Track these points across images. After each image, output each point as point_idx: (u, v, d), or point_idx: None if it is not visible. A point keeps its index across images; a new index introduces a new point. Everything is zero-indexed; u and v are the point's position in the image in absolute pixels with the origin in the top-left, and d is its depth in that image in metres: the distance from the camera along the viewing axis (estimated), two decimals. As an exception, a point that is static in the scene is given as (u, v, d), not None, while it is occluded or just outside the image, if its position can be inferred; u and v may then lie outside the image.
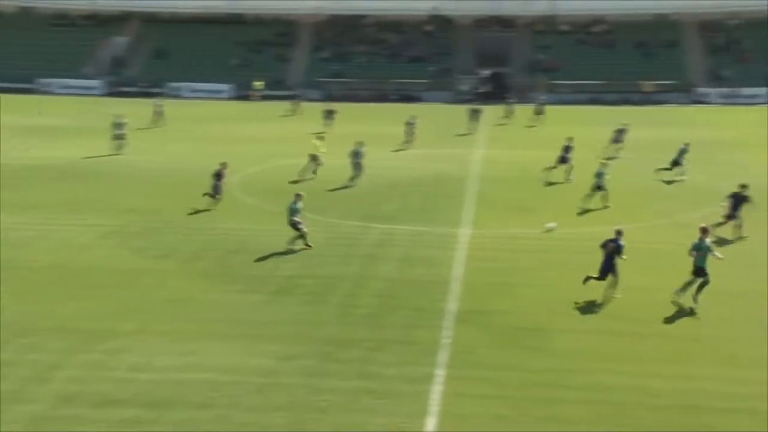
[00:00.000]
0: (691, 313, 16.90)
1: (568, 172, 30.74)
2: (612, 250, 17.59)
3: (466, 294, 18.13)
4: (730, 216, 22.71)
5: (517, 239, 22.79)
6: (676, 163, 31.14)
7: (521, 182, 30.69)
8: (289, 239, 21.32)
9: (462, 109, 48.15)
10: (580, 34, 68.95)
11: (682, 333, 15.87)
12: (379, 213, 25.38)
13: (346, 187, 29.36)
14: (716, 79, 62.85)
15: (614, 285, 17.61)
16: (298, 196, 21.80)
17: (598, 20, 69.57)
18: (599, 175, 26.51)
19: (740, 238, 22.52)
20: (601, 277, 17.61)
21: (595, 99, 53.52)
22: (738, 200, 22.79)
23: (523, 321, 16.59)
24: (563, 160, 31.16)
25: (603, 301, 17.52)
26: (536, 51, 67.60)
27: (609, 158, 32.09)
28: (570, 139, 31.99)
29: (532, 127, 46.97)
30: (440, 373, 14.13)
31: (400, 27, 70.85)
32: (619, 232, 17.99)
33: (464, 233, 23.25)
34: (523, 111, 50.50)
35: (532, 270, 19.92)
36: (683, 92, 60.87)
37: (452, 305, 17.43)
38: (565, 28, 69.72)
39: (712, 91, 60.98)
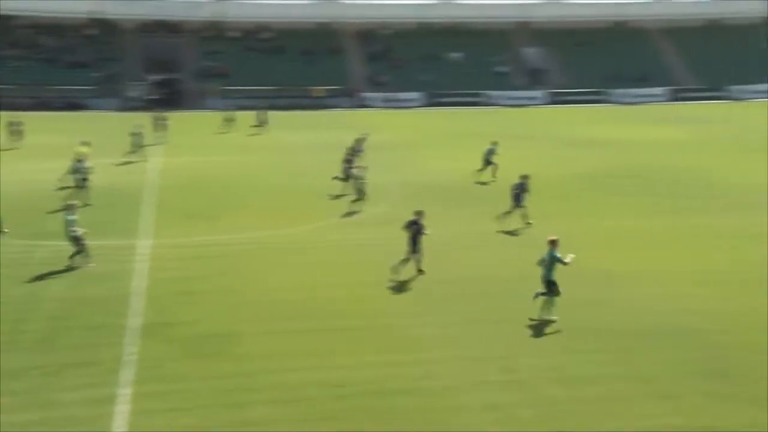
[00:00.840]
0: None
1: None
2: (415, 230, 19.32)
3: (149, 307, 17.47)
4: (516, 206, 24.47)
5: (202, 247, 22.50)
6: (488, 162, 31.95)
7: (202, 190, 30.37)
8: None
9: (134, 117, 46.35)
10: (248, 40, 69.93)
11: (362, 324, 16.74)
12: (47, 230, 23.46)
13: None
14: (376, 85, 67.63)
15: (419, 261, 19.47)
16: (70, 207, 20.31)
17: (264, 27, 71.07)
18: (363, 183, 27.30)
19: (527, 224, 24.32)
20: (413, 255, 19.39)
21: (270, 105, 54.67)
22: (520, 190, 24.53)
23: (210, 329, 16.39)
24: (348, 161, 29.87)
25: (293, 300, 17.96)
26: (205, 57, 67.32)
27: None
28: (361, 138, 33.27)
29: (223, 133, 46.71)
30: (125, 392, 13.45)
31: (58, 30, 66.26)
32: (419, 213, 19.65)
33: (144, 244, 22.40)
34: (197, 118, 49.99)
35: (217, 276, 19.78)
36: (349, 97, 64.59)
37: (135, 320, 16.69)
38: (233, 34, 70.25)
39: (374, 95, 65.50)
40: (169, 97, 60.71)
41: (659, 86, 68.20)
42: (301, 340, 15.85)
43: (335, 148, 38.85)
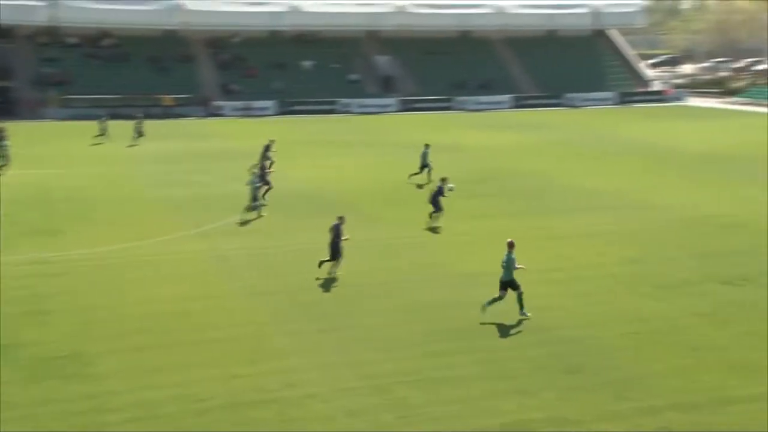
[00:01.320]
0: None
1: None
2: (335, 234, 20.05)
3: (-10, 329, 16.34)
4: (437, 208, 25.61)
5: (50, 263, 21.30)
6: (424, 166, 32.54)
7: (49, 204, 28.80)
8: None
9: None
10: (88, 47, 66.85)
11: (221, 336, 16.39)
12: None
13: None
14: (228, 93, 66.57)
15: (337, 264, 20.05)
16: None
17: (106, 34, 68.14)
18: (256, 189, 26.79)
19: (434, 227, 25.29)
20: (332, 258, 20.08)
21: (116, 113, 52.59)
22: (439, 193, 25.72)
23: (59, 349, 15.52)
24: (263, 168, 29.67)
25: (149, 314, 17.32)
26: (42, 64, 63.82)
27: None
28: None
29: (97, 145, 44.35)
30: (-34, 423, 12.51)
31: None
32: (340, 218, 20.32)
33: (-17, 263, 20.94)
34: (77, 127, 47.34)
35: (67, 294, 18.81)
36: (200, 106, 63.12)
37: (-26, 344, 15.56)
38: (72, 40, 66.95)
39: (226, 104, 64.40)
40: (2, 106, 57.01)
41: (503, 94, 71.08)
42: (158, 356, 15.32)
43: (188, 157, 37.97)
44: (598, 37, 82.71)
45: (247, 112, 63.46)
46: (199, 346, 15.84)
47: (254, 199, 26.90)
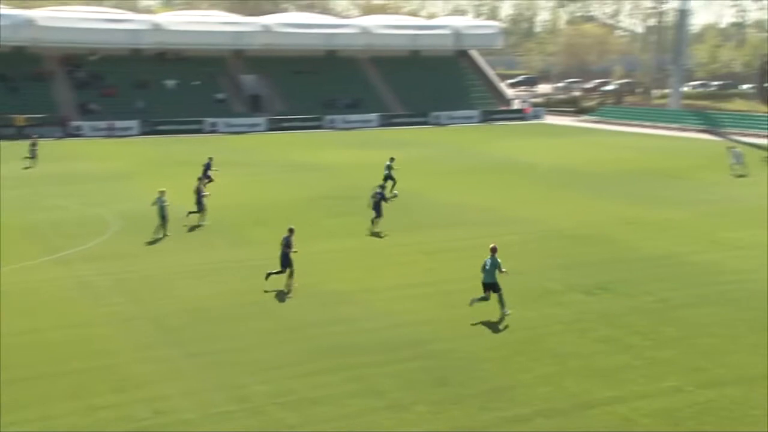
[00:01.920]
0: (501, 321, 18.24)
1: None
2: (285, 245, 20.42)
3: None
4: (378, 214, 27.12)
5: None
6: (388, 177, 33.46)
7: None
8: None
9: None
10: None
11: (85, 366, 15.62)
12: None
13: None
14: (86, 113, 63.96)
15: (291, 275, 20.42)
16: None
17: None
18: (162, 207, 26.15)
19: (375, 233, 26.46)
20: (282, 270, 20.45)
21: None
22: (378, 198, 27.15)
23: None
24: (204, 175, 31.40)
25: (5, 347, 16.25)
26: None
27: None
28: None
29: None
30: None
31: None
32: (290, 230, 20.70)
33: None
34: None
35: None
36: (57, 126, 60.30)
37: None
38: None
39: (86, 124, 61.84)
40: None
41: (371, 112, 72.03)
42: (17, 391, 14.41)
43: (47, 180, 36.18)
44: (461, 57, 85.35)
45: (107, 132, 61.24)
46: (61, 378, 15.03)
47: (163, 218, 26.28)
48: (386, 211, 31.14)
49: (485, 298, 18.47)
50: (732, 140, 56.44)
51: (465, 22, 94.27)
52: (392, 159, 35.41)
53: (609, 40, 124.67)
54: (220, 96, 70.45)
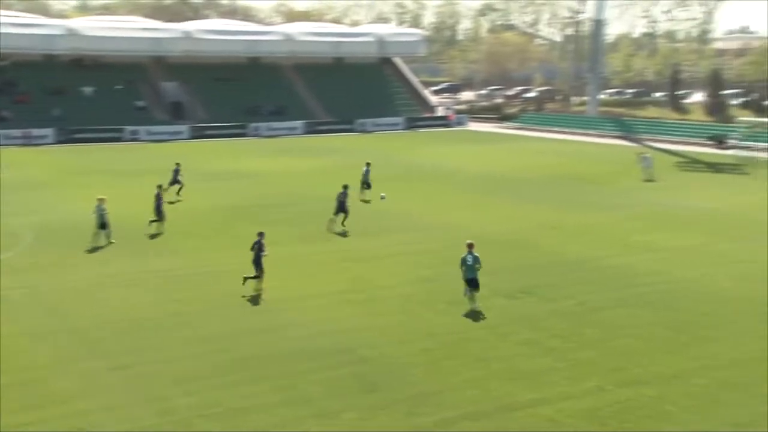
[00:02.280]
0: (477, 316, 19.15)
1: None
2: (257, 249, 20.90)
3: None
4: (342, 210, 28.83)
5: None
6: (366, 184, 34.94)
7: None
8: None
9: None
10: None
11: (-2, 383, 15.15)
12: None
13: None
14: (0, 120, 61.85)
15: (258, 278, 20.88)
16: None
17: None
18: (101, 215, 26.11)
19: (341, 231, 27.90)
20: (257, 274, 20.93)
21: None
22: (343, 198, 28.76)
23: None
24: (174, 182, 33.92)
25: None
26: None
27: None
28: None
29: None
30: None
31: None
32: (261, 234, 21.15)
33: None
34: None
35: None
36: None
37: None
38: None
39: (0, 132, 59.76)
40: None
41: (296, 119, 71.79)
42: (-75, 412, 13.83)
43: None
44: (384, 64, 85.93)
45: (26, 141, 59.30)
46: (-27, 397, 14.49)
47: (103, 226, 26.10)
48: (312, 219, 31.18)
49: (472, 294, 19.61)
50: (644, 146, 58.46)
51: (388, 29, 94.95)
52: (368, 164, 36.31)
53: (529, 49, 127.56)
54: (140, 103, 69.09)
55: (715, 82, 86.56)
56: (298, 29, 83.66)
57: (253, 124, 68.97)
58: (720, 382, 15.32)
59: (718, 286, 21.92)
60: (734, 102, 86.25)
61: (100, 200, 26.45)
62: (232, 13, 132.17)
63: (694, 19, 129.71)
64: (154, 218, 28.54)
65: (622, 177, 42.87)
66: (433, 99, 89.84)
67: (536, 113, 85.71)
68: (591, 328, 18.38)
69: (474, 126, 79.09)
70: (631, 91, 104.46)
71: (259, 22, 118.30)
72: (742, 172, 46.35)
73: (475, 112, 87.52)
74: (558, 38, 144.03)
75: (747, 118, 68.04)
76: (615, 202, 35.43)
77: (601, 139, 67.45)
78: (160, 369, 15.92)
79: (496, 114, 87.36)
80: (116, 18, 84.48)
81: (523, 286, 21.66)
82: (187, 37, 74.76)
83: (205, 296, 20.78)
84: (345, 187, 29.39)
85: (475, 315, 19.39)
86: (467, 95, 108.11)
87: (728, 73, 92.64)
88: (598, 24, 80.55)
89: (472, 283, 19.59)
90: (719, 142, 59.70)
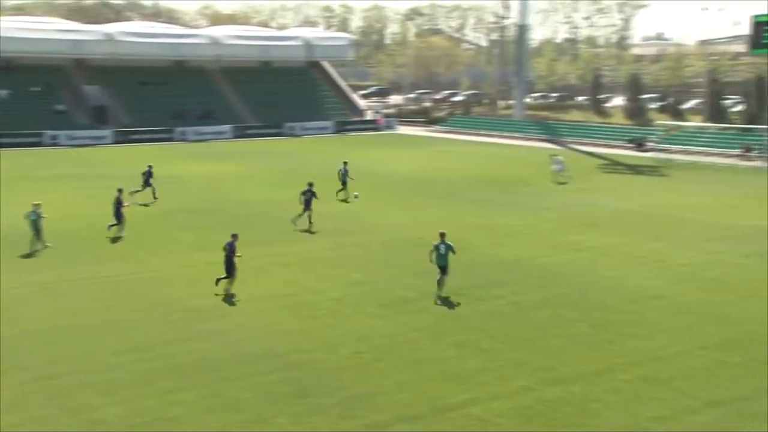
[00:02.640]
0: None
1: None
2: (229, 250, 21.07)
3: None
4: (306, 209, 29.78)
5: None
6: (344, 183, 36.27)
7: None
8: None
9: None
10: None
11: None
12: None
13: None
14: None
15: (229, 280, 21.05)
16: None
17: None
18: (35, 221, 25.70)
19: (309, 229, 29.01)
20: (228, 275, 21.05)
21: None
22: (309, 196, 29.84)
23: None
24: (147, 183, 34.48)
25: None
26: None
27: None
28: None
29: None
30: None
31: None
32: (234, 236, 21.24)
33: None
34: None
35: None
36: None
37: None
38: None
39: None
40: None
41: (224, 124, 70.93)
42: None
43: None
44: (312, 68, 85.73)
45: (-64, 146, 57.02)
46: None
47: (37, 231, 25.81)
48: (241, 223, 30.93)
49: (442, 279, 20.85)
50: (557, 149, 59.87)
51: (316, 33, 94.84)
52: (345, 163, 37.49)
53: (456, 53, 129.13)
54: (60, 107, 67.20)
55: (634, 87, 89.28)
56: (225, 32, 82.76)
57: (180, 129, 67.88)
58: (642, 378, 15.84)
59: (639, 284, 22.63)
60: (652, 106, 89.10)
61: (35, 205, 25.96)
62: (155, 15, 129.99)
63: (613, 25, 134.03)
64: (114, 222, 28.30)
65: (547, 179, 43.79)
66: (362, 103, 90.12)
67: (464, 117, 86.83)
68: (521, 329, 18.74)
69: (403, 129, 79.62)
70: (555, 95, 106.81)
71: (184, 24, 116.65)
72: (661, 173, 47.95)
73: (404, 116, 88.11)
74: (484, 43, 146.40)
75: (664, 121, 70.45)
76: (542, 203, 36.18)
77: (527, 142, 68.78)
78: (88, 379, 15.56)
79: (425, 118, 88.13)
80: (32, 19, 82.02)
81: (453, 288, 21.91)
82: (109, 39, 73.08)
83: (134, 304, 20.38)
84: (310, 184, 30.27)
85: (405, 318, 19.54)
86: (396, 99, 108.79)
87: (646, 78, 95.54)
88: (522, 29, 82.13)
89: (444, 270, 20.94)
90: (639, 144, 61.58)
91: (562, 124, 75.95)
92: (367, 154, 57.13)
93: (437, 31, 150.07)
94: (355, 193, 34.48)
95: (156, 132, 66.41)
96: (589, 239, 28.45)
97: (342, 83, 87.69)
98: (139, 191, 35.33)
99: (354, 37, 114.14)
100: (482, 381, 15.69)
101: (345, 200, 35.98)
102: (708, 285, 22.53)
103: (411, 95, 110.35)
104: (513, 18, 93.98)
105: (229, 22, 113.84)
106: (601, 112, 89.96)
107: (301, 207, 30.05)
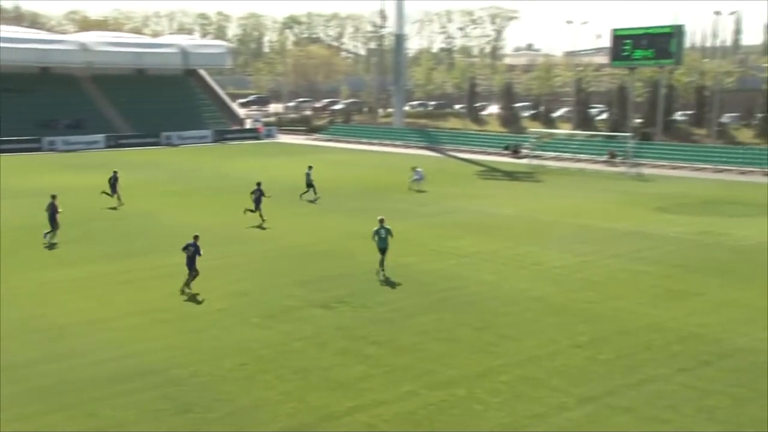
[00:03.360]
0: (387, 282, 23.12)
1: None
2: (192, 252, 21.77)
3: None
4: (256, 208, 31.96)
5: None
6: (309, 185, 38.93)
7: None
8: None
9: None
10: None
11: None
12: None
13: None
14: None
15: (192, 279, 21.79)
16: None
17: None
18: None
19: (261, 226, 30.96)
20: (191, 273, 21.78)
21: None
22: (258, 195, 32.06)
23: None
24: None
25: None
26: None
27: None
28: None
29: None
30: None
31: None
32: (196, 237, 22.02)
33: None
34: None
35: None
36: None
37: None
38: None
39: None
40: None
41: (96, 133, 68.29)
42: None
43: None
44: (189, 76, 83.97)
45: None
46: None
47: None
48: (116, 235, 30.00)
49: (382, 260, 23.82)
50: (439, 156, 61.11)
51: (192, 41, 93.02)
52: (310, 167, 40.19)
53: (335, 61, 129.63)
54: None
55: (507, 96, 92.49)
56: (95, 38, 79.91)
57: (48, 138, 64.93)
58: (521, 378, 16.29)
59: (517, 287, 23.30)
60: (525, 114, 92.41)
61: None
62: (17, 19, 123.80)
63: (486, 36, 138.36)
64: (49, 230, 28.00)
65: (428, 185, 44.54)
66: (241, 111, 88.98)
67: (345, 125, 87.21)
68: (405, 334, 18.90)
69: (284, 138, 79.15)
70: (433, 103, 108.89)
71: (50, 30, 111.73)
72: (535, 179, 49.71)
73: (284, 125, 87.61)
74: (362, 51, 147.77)
75: (537, 129, 73.19)
76: (424, 210, 36.73)
77: (407, 149, 69.76)
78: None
79: (305, 126, 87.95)
80: None
81: (337, 296, 21.89)
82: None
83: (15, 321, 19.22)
84: (258, 184, 32.84)
85: (289, 327, 19.34)
86: (275, 107, 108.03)
87: (518, 87, 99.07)
88: (399, 39, 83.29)
89: (383, 252, 23.85)
90: (514, 151, 63.64)
91: (440, 132, 77.52)
92: (247, 163, 56.43)
93: (316, 40, 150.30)
94: (317, 195, 38.52)
95: (22, 142, 63.20)
96: (469, 244, 29.09)
97: (220, 91, 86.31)
98: (108, 194, 36.81)
99: (231, 45, 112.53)
100: (368, 387, 15.71)
101: (313, 201, 38.63)
102: (579, 286, 23.47)
103: (291, 104, 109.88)
104: (390, 27, 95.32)
105: (99, 28, 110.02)
106: (478, 119, 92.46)
107: (252, 205, 32.42)
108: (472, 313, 20.69)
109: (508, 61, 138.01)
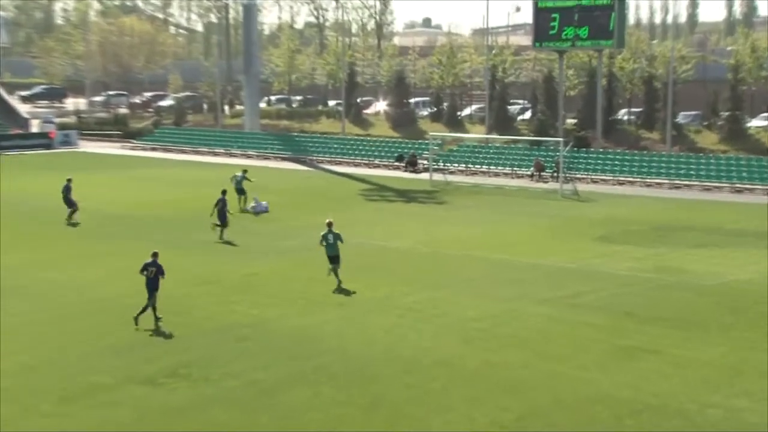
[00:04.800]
0: (340, 289, 27.04)
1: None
2: (154, 273, 24.78)
3: None
4: (222, 222, 37.18)
5: None
6: (240, 191, 44.70)
7: None
8: None
9: None
10: None
11: None
12: None
13: None
14: None
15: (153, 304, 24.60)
16: None
17: None
18: None
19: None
20: (151, 296, 24.74)
21: None
22: (221, 206, 37.29)
23: None
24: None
25: None
26: None
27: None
28: None
29: None
30: None
31: None
32: (155, 254, 25.06)
33: None
34: None
35: None
36: None
37: None
38: None
39: None
40: None
41: None
42: None
43: None
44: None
45: None
46: None
47: None
48: None
49: (335, 269, 28.55)
50: (308, 170, 61.14)
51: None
52: (245, 171, 46.07)
53: (161, 40, 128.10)
54: None
55: (399, 88, 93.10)
56: None
57: None
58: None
59: (418, 347, 23.41)
60: (423, 113, 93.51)
61: None
62: None
63: (368, 7, 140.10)
64: None
65: (297, 210, 44.41)
66: (24, 109, 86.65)
67: (176, 128, 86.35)
68: (263, 418, 18.65)
69: (88, 146, 77.64)
70: (299, 98, 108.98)
71: None
72: (437, 200, 50.47)
73: (88, 128, 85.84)
74: (199, 27, 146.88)
75: (439, 133, 74.14)
76: (289, 243, 36.57)
77: (265, 161, 69.75)
78: None
79: (120, 130, 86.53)
80: None
81: (167, 367, 21.42)
82: None
83: None
84: (223, 192, 37.97)
85: (98, 412, 18.79)
86: (76, 103, 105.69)
87: (413, 77, 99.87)
88: (249, 9, 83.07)
89: (335, 260, 28.21)
90: (409, 163, 64.48)
91: (309, 138, 77.91)
92: (34, 182, 54.65)
93: (132, 9, 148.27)
94: (263, 202, 44.49)
95: None
96: (353, 289, 29.08)
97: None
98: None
99: (6, 14, 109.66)
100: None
101: (245, 210, 43.98)
102: (501, 343, 23.81)
103: (98, 98, 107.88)
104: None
105: None
106: (360, 121, 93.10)
107: (217, 218, 37.36)
108: (359, 385, 20.65)
109: (398, 41, 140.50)
